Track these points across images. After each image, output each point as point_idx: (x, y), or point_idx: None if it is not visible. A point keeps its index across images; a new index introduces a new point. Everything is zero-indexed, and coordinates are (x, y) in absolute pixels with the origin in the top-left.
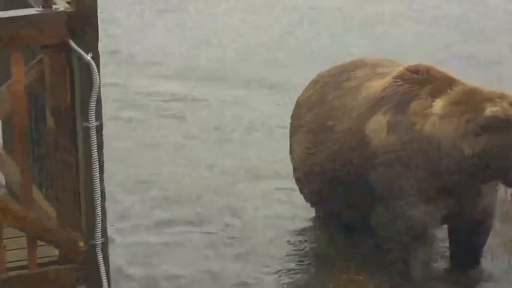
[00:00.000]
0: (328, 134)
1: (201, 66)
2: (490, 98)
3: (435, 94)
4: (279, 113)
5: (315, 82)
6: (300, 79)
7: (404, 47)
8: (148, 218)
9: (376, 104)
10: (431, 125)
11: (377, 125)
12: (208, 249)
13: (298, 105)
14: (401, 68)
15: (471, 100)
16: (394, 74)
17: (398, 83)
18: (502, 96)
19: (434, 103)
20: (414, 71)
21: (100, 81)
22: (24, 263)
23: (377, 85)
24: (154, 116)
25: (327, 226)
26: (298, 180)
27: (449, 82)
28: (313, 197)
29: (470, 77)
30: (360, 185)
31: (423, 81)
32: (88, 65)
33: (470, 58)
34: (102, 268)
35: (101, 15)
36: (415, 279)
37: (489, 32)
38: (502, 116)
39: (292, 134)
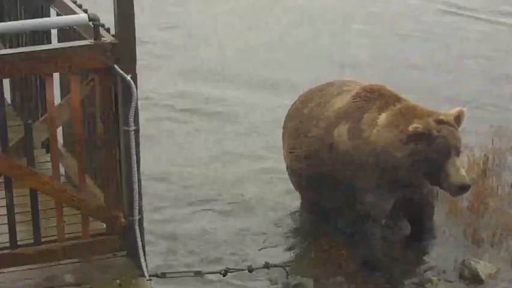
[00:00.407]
0: (303, 139)
1: (201, 66)
2: (421, 115)
3: (382, 109)
4: (279, 112)
5: (299, 99)
6: (300, 79)
7: (404, 47)
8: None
9: (340, 116)
10: (376, 133)
11: (341, 133)
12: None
13: (287, 116)
14: (359, 88)
15: (406, 115)
16: (354, 92)
17: (356, 100)
18: (430, 114)
19: (380, 116)
20: (369, 90)
21: (137, 95)
22: (79, 234)
23: (341, 101)
24: (155, 115)
25: (309, 211)
26: (288, 174)
27: (395, 99)
28: (297, 187)
29: (472, 77)
30: (329, 179)
31: (374, 98)
32: (128, 84)
33: (469, 59)
34: (139, 238)
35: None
36: (374, 252)
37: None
38: (422, 130)
39: (282, 137)
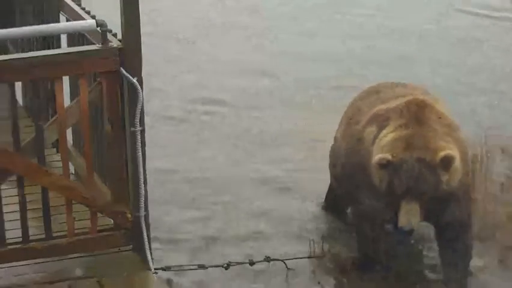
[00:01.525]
0: (350, 129)
1: (204, 65)
2: (411, 146)
3: (397, 126)
4: (282, 111)
5: (362, 91)
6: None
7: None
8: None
9: (376, 117)
10: (375, 148)
11: (369, 132)
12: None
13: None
14: (407, 98)
15: (405, 143)
16: (404, 99)
17: (399, 107)
18: (424, 147)
19: (390, 133)
20: (412, 102)
21: (143, 97)
22: (88, 229)
23: (387, 104)
24: (157, 116)
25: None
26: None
27: (414, 122)
28: (332, 179)
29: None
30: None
31: (405, 113)
32: (134, 86)
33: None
34: (144, 233)
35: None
36: (372, 252)
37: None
38: (385, 162)
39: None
